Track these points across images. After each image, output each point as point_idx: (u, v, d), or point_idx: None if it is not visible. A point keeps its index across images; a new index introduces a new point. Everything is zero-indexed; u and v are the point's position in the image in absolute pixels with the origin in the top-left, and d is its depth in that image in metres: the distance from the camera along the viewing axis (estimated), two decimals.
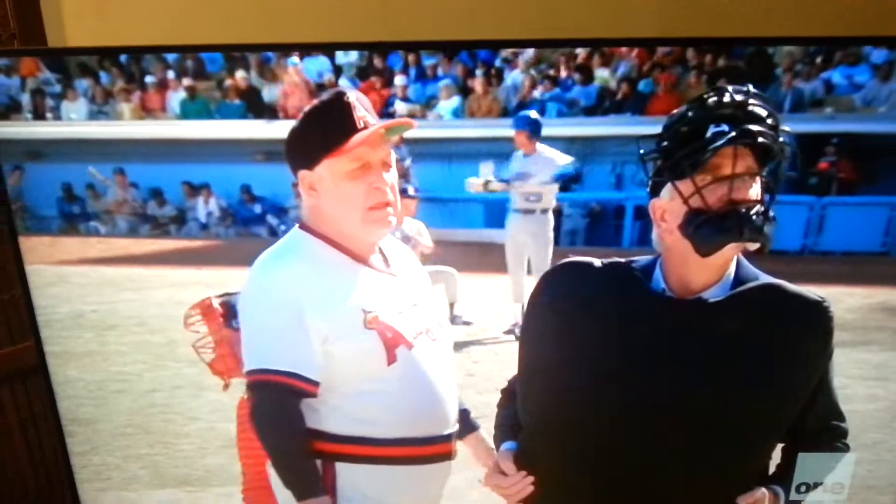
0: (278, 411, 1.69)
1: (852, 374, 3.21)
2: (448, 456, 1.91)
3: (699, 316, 1.53)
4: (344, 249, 1.75)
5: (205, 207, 3.32)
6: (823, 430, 1.69)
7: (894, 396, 3.03)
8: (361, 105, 1.67)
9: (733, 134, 1.40)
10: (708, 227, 1.44)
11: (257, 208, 3.28)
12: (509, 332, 3.89)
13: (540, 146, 3.57)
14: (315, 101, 1.71)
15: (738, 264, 1.59)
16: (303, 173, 1.71)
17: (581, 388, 1.56)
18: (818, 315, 1.54)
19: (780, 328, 1.54)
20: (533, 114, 3.57)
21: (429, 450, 1.84)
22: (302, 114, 1.70)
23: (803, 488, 1.86)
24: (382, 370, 1.73)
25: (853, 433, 3.07)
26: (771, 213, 1.49)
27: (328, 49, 2.74)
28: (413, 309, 1.82)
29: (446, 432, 1.88)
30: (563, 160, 3.53)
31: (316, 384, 1.70)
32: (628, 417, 1.51)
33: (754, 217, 1.44)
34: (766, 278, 1.59)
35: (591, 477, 1.58)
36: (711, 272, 1.55)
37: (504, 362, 3.98)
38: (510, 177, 3.66)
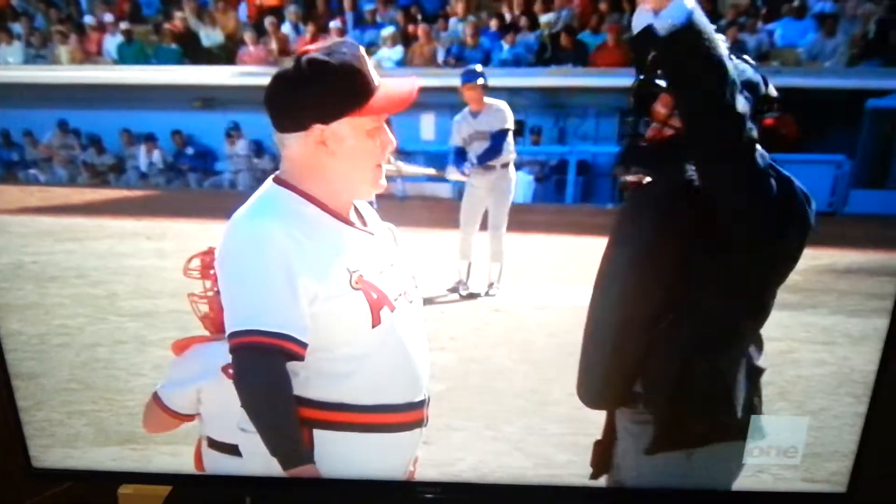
0: (269, 375, 1.61)
1: (800, 338, 3.20)
2: (420, 423, 1.87)
3: None
4: (325, 207, 1.68)
5: (147, 157, 3.26)
6: None
7: (841, 361, 3.01)
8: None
9: None
10: None
11: (189, 150, 3.21)
12: (453, 289, 3.89)
13: (487, 100, 3.55)
14: (327, 54, 1.62)
15: None
16: (317, 127, 1.62)
17: None
18: None
19: None
20: (479, 67, 3.50)
21: (404, 416, 1.79)
22: (308, 65, 1.60)
23: (756, 451, 1.87)
24: (366, 332, 1.67)
25: (799, 399, 3.09)
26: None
27: None
28: (391, 269, 1.76)
29: (419, 399, 1.83)
30: (510, 111, 3.48)
31: (305, 346, 1.63)
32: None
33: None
34: None
35: None
36: None
37: (449, 320, 3.98)
38: (464, 140, 3.62)
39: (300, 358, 1.59)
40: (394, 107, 1.58)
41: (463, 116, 3.59)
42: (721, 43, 1.38)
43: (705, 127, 1.46)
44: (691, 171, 1.59)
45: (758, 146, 1.59)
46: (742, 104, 1.42)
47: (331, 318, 1.60)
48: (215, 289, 1.85)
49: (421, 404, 1.78)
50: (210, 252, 1.82)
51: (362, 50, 1.57)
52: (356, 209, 1.72)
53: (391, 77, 1.61)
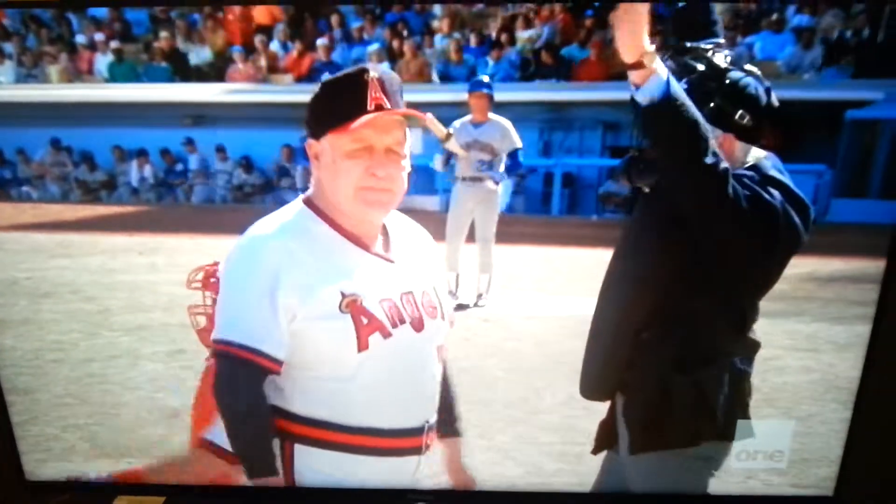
0: (237, 384, 1.64)
1: (784, 345, 3.23)
2: (417, 450, 1.84)
3: None
4: (339, 228, 1.68)
5: (139, 172, 3.29)
6: None
7: (826, 368, 3.03)
8: (383, 86, 1.60)
9: None
10: None
11: (179, 167, 3.23)
12: None
13: (491, 114, 3.55)
14: (337, 73, 1.66)
15: None
16: (309, 142, 1.66)
17: None
18: None
19: None
20: (486, 78, 3.53)
21: (396, 442, 1.78)
22: (321, 83, 1.65)
23: (743, 456, 1.93)
24: (352, 356, 1.67)
25: (786, 405, 3.10)
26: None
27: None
28: (402, 297, 1.74)
29: (417, 425, 1.81)
30: (515, 131, 3.51)
31: (279, 362, 1.64)
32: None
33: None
34: None
35: None
36: None
37: None
38: (461, 145, 3.63)
39: (275, 372, 1.62)
40: (358, 125, 1.58)
41: (462, 124, 3.59)
42: (694, 108, 1.50)
43: (682, 171, 1.58)
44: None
45: (766, 162, 1.65)
46: (712, 158, 1.53)
47: (311, 337, 1.61)
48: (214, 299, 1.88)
49: (416, 431, 1.77)
50: (215, 265, 1.84)
51: (372, 74, 1.57)
52: (386, 233, 1.71)
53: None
